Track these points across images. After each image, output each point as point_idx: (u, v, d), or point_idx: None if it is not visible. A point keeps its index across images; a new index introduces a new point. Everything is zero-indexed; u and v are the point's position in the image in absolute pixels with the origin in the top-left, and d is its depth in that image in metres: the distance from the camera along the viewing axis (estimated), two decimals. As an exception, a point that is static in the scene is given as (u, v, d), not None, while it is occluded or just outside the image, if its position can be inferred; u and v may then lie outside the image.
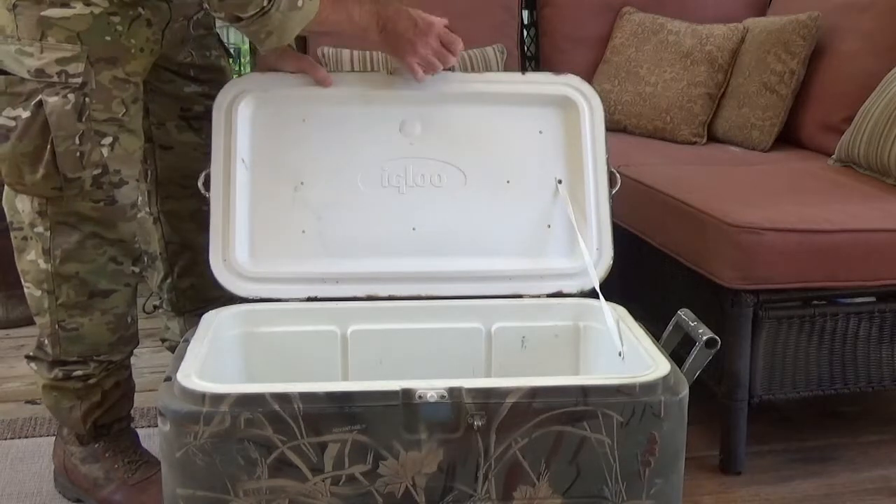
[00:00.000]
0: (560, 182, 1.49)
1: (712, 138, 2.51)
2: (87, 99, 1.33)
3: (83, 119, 1.33)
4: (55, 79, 1.31)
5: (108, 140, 1.36)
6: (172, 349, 1.69)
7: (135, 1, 1.36)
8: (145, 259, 1.67)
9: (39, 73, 1.31)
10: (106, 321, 1.45)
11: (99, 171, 1.36)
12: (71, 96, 1.32)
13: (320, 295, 1.45)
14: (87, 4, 1.31)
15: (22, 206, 1.40)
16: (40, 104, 1.31)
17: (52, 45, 1.31)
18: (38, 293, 1.43)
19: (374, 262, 1.47)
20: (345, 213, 1.48)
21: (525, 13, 2.87)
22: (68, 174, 1.34)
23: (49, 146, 1.32)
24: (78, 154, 1.34)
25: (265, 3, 1.25)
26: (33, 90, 1.31)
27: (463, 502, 1.11)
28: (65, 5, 1.31)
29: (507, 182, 1.50)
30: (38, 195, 1.37)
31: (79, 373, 1.47)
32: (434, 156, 1.49)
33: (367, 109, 1.48)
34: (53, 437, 1.64)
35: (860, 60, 2.22)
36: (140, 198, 1.58)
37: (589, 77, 2.55)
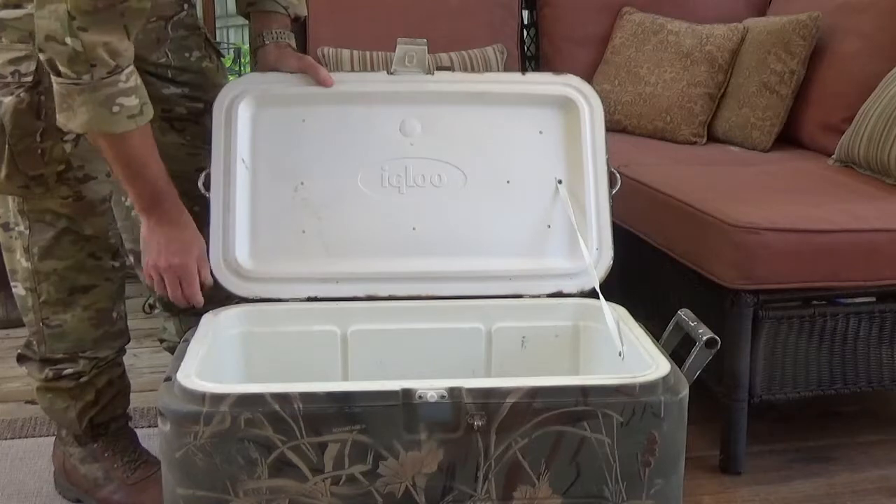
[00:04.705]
0: (560, 182, 1.49)
1: (712, 138, 2.51)
2: (42, 97, 1.32)
3: (41, 117, 1.33)
4: (9, 79, 1.32)
5: (70, 136, 1.35)
6: (170, 349, 1.69)
7: None
8: (131, 257, 1.67)
9: None
10: (88, 316, 1.46)
11: (62, 167, 1.37)
12: (24, 95, 1.32)
13: (320, 295, 1.45)
14: None
15: (8, 206, 1.41)
16: None
17: (5, 46, 1.32)
18: (24, 292, 1.45)
19: (374, 262, 1.47)
20: (345, 213, 1.47)
21: (525, 13, 2.87)
22: (29, 172, 1.35)
23: (7, 146, 1.33)
24: (39, 151, 1.34)
25: (81, 77, 1.17)
26: None
27: (463, 502, 1.11)
28: (17, 6, 1.31)
29: (507, 182, 1.49)
30: (9, 194, 1.39)
31: (69, 371, 1.48)
32: (434, 156, 1.49)
33: (367, 109, 1.48)
34: (53, 437, 1.65)
35: (860, 60, 2.22)
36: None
37: (589, 77, 2.55)
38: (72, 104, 1.20)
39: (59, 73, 1.19)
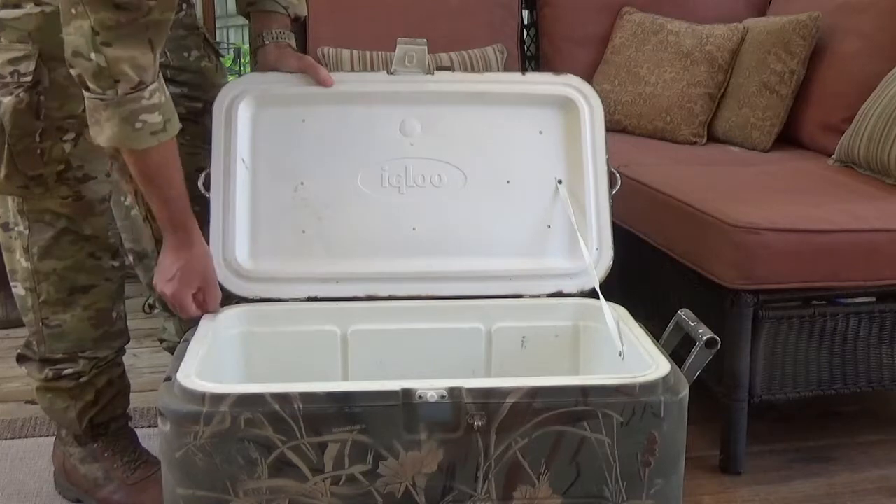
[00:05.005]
0: (560, 182, 1.49)
1: (712, 138, 2.51)
2: (41, 97, 1.33)
3: (41, 117, 1.33)
4: (8, 79, 1.32)
5: (70, 136, 1.36)
6: (170, 349, 1.69)
7: None
8: (131, 257, 1.67)
9: None
10: (88, 316, 1.46)
11: (62, 167, 1.37)
12: (24, 95, 1.32)
13: (320, 295, 1.45)
14: (38, 4, 1.31)
15: (8, 206, 1.41)
16: None
17: (5, 46, 1.32)
18: (24, 292, 1.45)
19: (374, 262, 1.47)
20: (345, 213, 1.47)
21: (525, 13, 2.87)
22: (28, 171, 1.35)
23: (6, 146, 1.33)
24: (38, 151, 1.34)
25: (105, 93, 1.19)
26: None
27: (463, 502, 1.11)
28: (17, 6, 1.31)
29: (507, 182, 1.50)
30: (9, 194, 1.39)
31: (69, 371, 1.48)
32: (434, 156, 1.49)
33: (367, 109, 1.48)
34: (53, 437, 1.65)
35: (860, 60, 2.22)
36: (130, 196, 1.58)
37: (589, 77, 2.55)
38: (98, 119, 1.22)
39: (87, 88, 1.20)
